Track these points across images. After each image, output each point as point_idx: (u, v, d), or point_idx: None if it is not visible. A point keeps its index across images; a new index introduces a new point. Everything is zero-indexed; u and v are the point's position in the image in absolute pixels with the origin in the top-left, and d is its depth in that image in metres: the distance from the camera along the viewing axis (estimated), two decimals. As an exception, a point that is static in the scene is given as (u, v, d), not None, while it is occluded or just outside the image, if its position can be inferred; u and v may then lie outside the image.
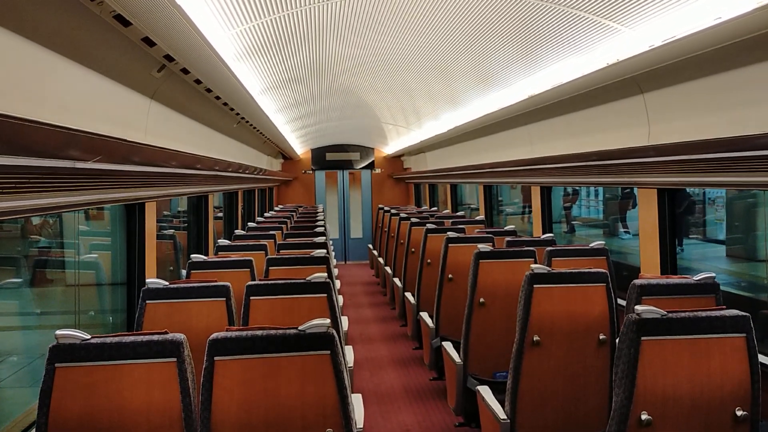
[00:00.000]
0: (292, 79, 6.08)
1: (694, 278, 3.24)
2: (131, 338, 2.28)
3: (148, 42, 2.94)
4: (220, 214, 9.40)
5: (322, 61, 5.64)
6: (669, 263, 4.40)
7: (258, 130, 7.89)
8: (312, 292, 3.47)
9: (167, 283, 3.42)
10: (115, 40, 2.74)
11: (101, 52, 2.75)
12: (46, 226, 5.00)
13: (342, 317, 4.77)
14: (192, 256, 4.28)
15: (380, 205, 12.82)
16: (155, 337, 2.28)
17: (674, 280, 3.25)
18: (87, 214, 5.29)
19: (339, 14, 4.20)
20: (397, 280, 8.26)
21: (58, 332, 2.25)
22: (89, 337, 2.28)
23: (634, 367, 2.48)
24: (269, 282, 3.51)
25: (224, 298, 3.41)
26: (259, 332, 2.35)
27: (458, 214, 9.35)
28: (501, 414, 3.51)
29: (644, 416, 2.48)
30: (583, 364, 3.51)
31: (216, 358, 2.31)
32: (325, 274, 3.57)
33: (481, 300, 4.43)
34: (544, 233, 6.40)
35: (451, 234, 5.52)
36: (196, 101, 4.57)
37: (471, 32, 4.38)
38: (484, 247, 4.49)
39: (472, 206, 12.20)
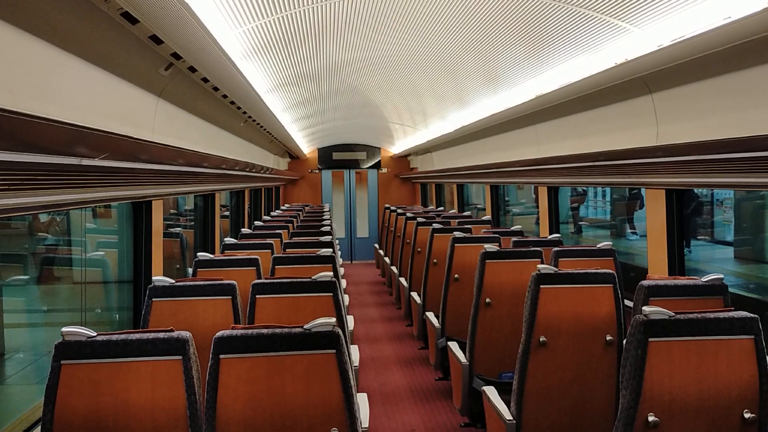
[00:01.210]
0: (298, 78, 6.08)
1: (702, 279, 3.22)
2: (137, 336, 2.28)
3: (156, 40, 2.94)
4: (227, 213, 9.42)
5: (329, 60, 5.64)
6: (677, 264, 4.38)
7: (265, 129, 7.90)
8: (318, 291, 3.47)
9: (173, 281, 3.43)
10: (122, 37, 2.74)
11: (109, 50, 2.75)
12: (54, 223, 5.02)
13: (347, 316, 4.76)
14: (198, 254, 4.29)
15: (386, 205, 12.82)
16: (161, 335, 2.28)
17: (682, 281, 3.23)
18: (94, 212, 5.31)
19: (346, 13, 4.20)
20: (403, 280, 8.25)
21: (64, 329, 2.26)
22: (95, 334, 2.28)
23: (641, 368, 2.46)
24: (275, 281, 3.51)
25: (230, 297, 3.41)
26: (264, 331, 2.35)
27: (465, 214, 9.34)
28: (507, 415, 3.50)
29: (651, 418, 2.46)
30: (590, 365, 3.49)
31: (221, 356, 2.32)
32: (331, 273, 3.56)
33: (488, 300, 4.42)
34: (551, 233, 6.38)
35: (457, 234, 5.51)
36: (203, 99, 4.58)
37: (478, 32, 4.36)
38: (490, 247, 4.47)
39: (478, 206, 12.18)
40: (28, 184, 2.41)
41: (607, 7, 3.23)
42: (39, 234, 5.04)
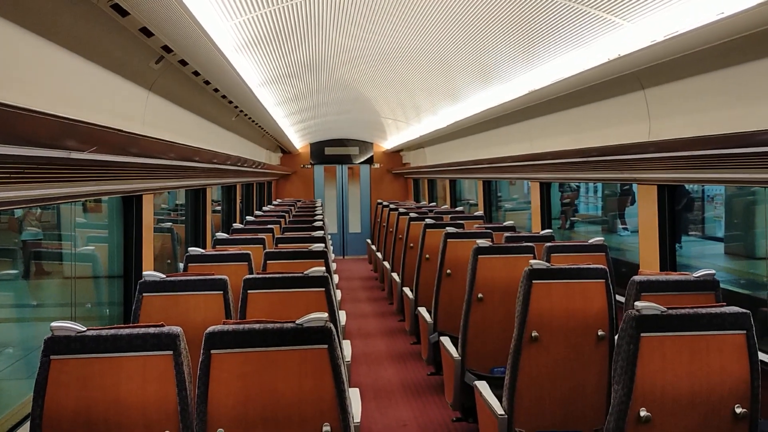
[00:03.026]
0: (291, 73, 6.05)
1: (694, 275, 3.23)
2: (127, 331, 2.26)
3: (146, 32, 2.91)
4: (219, 208, 9.38)
5: (321, 55, 5.61)
6: (668, 260, 4.39)
7: (257, 124, 7.86)
8: (310, 286, 3.45)
9: (164, 275, 3.41)
10: (112, 30, 2.71)
11: (98, 42, 2.72)
12: (30, 217, 4.95)
13: (340, 312, 4.75)
14: (189, 249, 4.27)
15: (379, 200, 12.81)
16: (152, 330, 2.26)
17: (674, 276, 3.24)
18: (84, 206, 5.28)
19: (339, 7, 4.17)
20: (395, 275, 8.24)
21: (53, 324, 2.23)
22: (85, 329, 2.26)
23: (633, 363, 2.47)
24: (267, 276, 3.50)
25: (221, 292, 3.40)
26: (256, 326, 2.33)
27: (457, 209, 9.34)
28: (498, 409, 3.50)
29: (643, 413, 2.47)
30: (582, 360, 3.50)
31: (213, 352, 2.30)
32: (323, 269, 3.55)
33: (480, 295, 4.42)
34: (543, 229, 6.39)
35: (449, 229, 5.51)
36: (195, 93, 4.54)
37: (471, 26, 4.35)
38: (482, 242, 4.48)
39: (470, 202, 12.18)
40: (15, 178, 2.38)
41: (600, 2, 3.22)
42: (29, 228, 5.00)
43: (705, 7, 2.70)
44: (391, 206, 10.19)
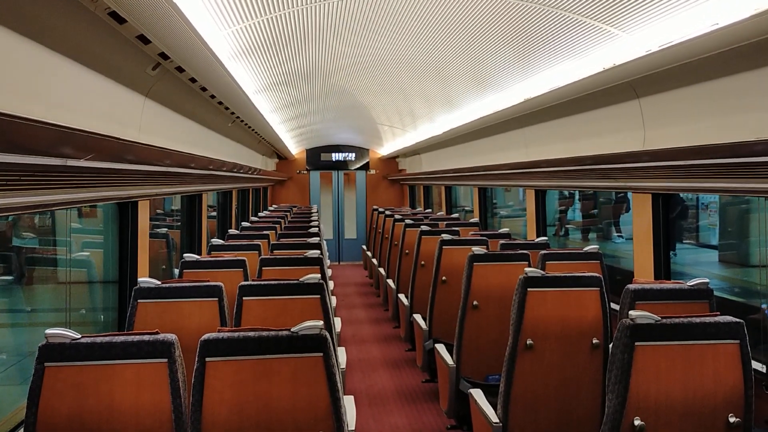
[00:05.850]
0: (287, 79, 6.06)
1: (688, 284, 3.24)
2: (122, 338, 2.26)
3: (143, 39, 2.91)
4: (214, 213, 9.37)
5: (318, 62, 5.63)
6: (662, 268, 4.40)
7: (253, 130, 7.87)
8: (305, 293, 3.45)
9: (159, 282, 3.40)
10: (109, 37, 2.72)
11: (95, 49, 2.72)
12: (36, 224, 4.94)
13: (335, 318, 4.75)
14: (185, 255, 4.26)
15: (374, 207, 12.82)
16: (146, 338, 2.26)
17: (668, 285, 3.25)
18: (79, 212, 5.26)
19: (335, 15, 4.19)
20: (390, 282, 8.24)
21: (48, 331, 2.23)
22: (79, 336, 2.25)
23: (627, 372, 2.47)
24: (262, 282, 3.50)
25: (217, 299, 3.39)
26: (251, 333, 2.33)
27: (452, 216, 9.35)
28: (493, 417, 3.50)
29: (637, 422, 2.47)
30: (576, 368, 3.50)
31: (207, 359, 2.30)
32: (319, 276, 3.55)
33: (475, 302, 4.43)
34: (538, 236, 6.41)
35: (445, 236, 5.52)
36: (191, 100, 4.55)
37: (467, 35, 4.37)
38: (478, 249, 4.49)
39: (466, 208, 12.19)
40: (12, 185, 2.38)
41: (596, 12, 3.24)
42: (25, 234, 4.99)
43: (700, 17, 2.73)
44: (387, 212, 10.20)
